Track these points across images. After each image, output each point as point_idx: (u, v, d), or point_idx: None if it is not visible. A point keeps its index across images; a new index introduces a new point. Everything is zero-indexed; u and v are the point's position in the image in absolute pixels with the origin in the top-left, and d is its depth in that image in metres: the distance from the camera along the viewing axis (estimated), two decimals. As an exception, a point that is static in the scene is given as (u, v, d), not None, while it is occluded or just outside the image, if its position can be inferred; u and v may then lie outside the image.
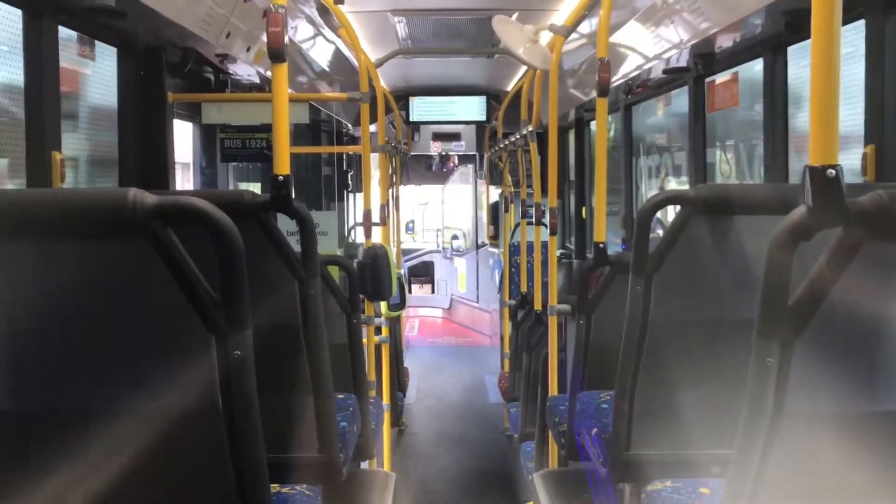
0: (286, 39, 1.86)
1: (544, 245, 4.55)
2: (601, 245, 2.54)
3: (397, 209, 6.63)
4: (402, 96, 7.73)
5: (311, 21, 4.13)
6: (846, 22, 2.65)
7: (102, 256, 1.16)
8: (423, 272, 10.98)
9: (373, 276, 3.14)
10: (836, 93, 1.06)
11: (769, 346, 1.07)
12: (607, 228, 2.56)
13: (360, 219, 3.79)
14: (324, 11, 3.74)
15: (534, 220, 4.54)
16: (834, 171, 1.03)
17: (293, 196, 1.84)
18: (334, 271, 2.70)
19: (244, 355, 1.15)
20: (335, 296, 2.55)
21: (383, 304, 4.09)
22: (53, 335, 1.17)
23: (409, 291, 10.63)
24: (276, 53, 1.81)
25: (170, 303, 1.14)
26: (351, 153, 7.08)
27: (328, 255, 2.55)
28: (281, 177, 1.81)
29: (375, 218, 4.19)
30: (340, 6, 3.53)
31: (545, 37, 3.69)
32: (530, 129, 4.50)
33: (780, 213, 1.09)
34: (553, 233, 3.67)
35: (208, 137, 3.86)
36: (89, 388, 1.19)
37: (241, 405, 1.16)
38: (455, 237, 10.71)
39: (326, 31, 4.35)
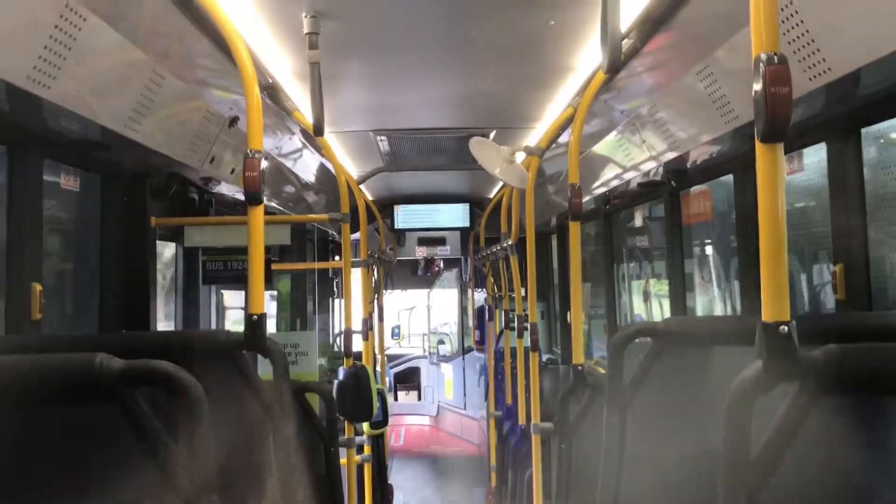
0: (264, 168, 1.90)
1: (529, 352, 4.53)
2: (579, 368, 2.54)
3: (381, 319, 6.63)
4: (387, 205, 7.87)
5: (297, 135, 4.25)
6: (808, 145, 2.78)
7: (69, 417, 1.16)
8: (410, 378, 10.86)
9: (353, 398, 3.12)
10: (784, 249, 1.10)
11: (735, 499, 1.08)
12: (594, 334, 2.54)
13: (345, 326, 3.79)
14: (308, 134, 3.85)
15: (516, 331, 4.55)
16: (786, 328, 1.07)
17: (266, 332, 1.85)
18: (313, 396, 2.67)
19: None
20: (313, 424, 2.53)
21: (365, 423, 4.04)
22: (14, 497, 1.16)
23: (395, 398, 10.48)
24: (253, 197, 1.86)
25: (135, 463, 1.13)
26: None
27: (305, 383, 2.54)
28: (255, 316, 1.82)
29: (358, 330, 4.18)
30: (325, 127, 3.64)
31: (521, 156, 3.79)
32: (510, 242, 4.56)
33: (750, 345, 1.12)
34: (534, 349, 3.68)
35: (191, 258, 3.90)
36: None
37: None
38: (441, 342, 10.65)
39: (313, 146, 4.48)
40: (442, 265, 9.56)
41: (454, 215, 7.99)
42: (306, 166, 4.96)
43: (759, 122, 1.09)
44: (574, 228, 2.69)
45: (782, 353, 1.05)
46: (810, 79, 2.04)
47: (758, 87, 1.09)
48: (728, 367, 1.54)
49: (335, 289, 7.68)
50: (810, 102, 2.36)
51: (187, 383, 1.11)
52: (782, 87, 1.07)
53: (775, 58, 1.09)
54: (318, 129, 2.60)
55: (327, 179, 5.35)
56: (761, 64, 1.09)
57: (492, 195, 7.28)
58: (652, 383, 1.79)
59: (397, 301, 11.30)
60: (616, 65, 1.79)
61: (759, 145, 1.10)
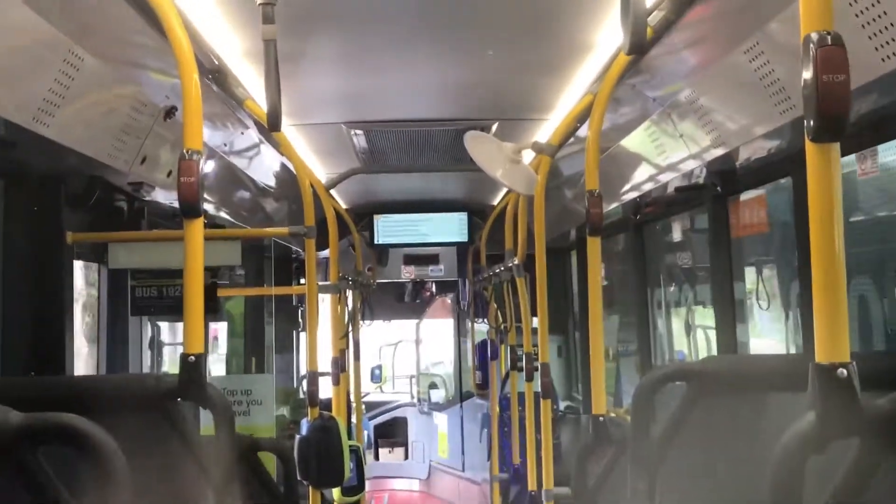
0: (205, 167, 1.90)
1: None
2: (601, 419, 2.55)
3: (357, 357, 6.61)
4: (365, 214, 7.89)
5: (252, 129, 4.27)
6: (884, 140, 2.78)
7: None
8: (394, 432, 10.82)
9: (319, 457, 3.12)
10: (841, 273, 1.11)
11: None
12: (624, 375, 2.51)
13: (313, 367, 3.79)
14: (264, 128, 3.87)
15: (524, 372, 4.55)
16: (846, 371, 1.07)
17: (207, 377, 1.86)
18: (269, 456, 2.68)
19: None
20: (268, 490, 2.53)
21: (335, 489, 4.04)
22: None
23: (376, 457, 10.44)
24: (190, 208, 1.87)
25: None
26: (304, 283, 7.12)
27: (258, 439, 2.55)
28: (192, 357, 1.83)
29: (327, 372, 4.16)
30: (285, 119, 3.65)
31: (529, 155, 3.80)
32: (516, 261, 4.59)
33: (804, 390, 1.13)
34: (546, 395, 3.70)
35: (118, 283, 3.89)
36: None
37: None
38: (434, 385, 10.64)
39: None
40: (434, 289, 9.51)
41: (449, 227, 8.03)
42: (263, 167, 4.96)
43: (810, 116, 1.10)
44: (593, 245, 2.70)
45: (840, 402, 1.06)
46: (884, 59, 2.05)
47: (807, 74, 1.10)
48: (779, 417, 1.52)
49: (300, 320, 7.69)
50: (885, 88, 2.34)
51: (100, 441, 1.12)
52: (837, 73, 1.08)
53: (828, 38, 1.11)
54: (275, 122, 2.61)
55: (290, 184, 5.28)
56: (811, 45, 1.11)
57: (495, 202, 7.29)
58: (686, 438, 1.81)
59: (378, 334, 11.28)
60: (641, 44, 1.81)
61: (809, 145, 1.12)
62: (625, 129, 4.04)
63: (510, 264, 4.83)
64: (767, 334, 4.35)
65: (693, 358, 5.25)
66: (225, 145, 4.16)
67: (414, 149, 5.26)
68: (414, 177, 6.46)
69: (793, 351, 3.90)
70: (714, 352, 4.51)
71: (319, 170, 5.70)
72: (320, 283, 4.21)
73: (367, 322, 8.32)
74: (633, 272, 5.60)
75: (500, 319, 6.92)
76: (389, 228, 8.04)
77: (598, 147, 2.88)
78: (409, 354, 11.49)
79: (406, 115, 4.46)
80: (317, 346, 3.85)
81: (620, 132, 4.08)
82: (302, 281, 7.81)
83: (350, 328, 6.22)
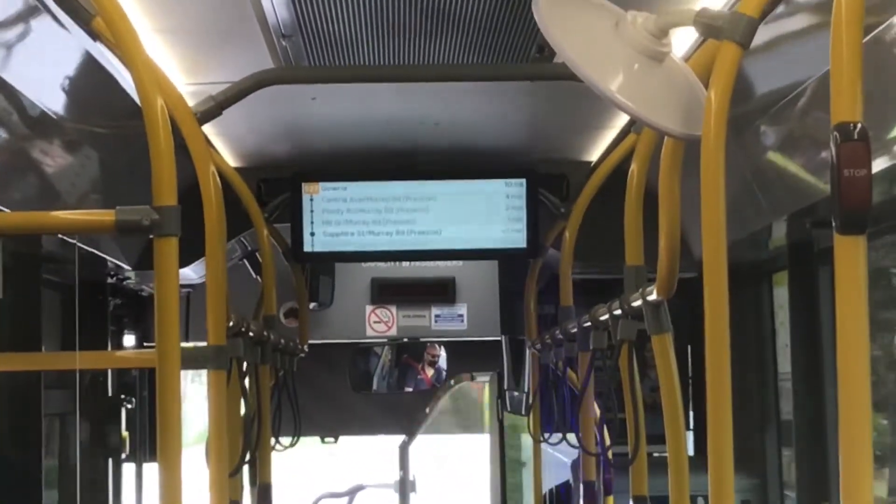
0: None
1: None
2: None
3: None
4: (285, 183, 8.06)
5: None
6: None
7: None
8: None
9: None
10: None
11: None
12: None
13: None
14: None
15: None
16: None
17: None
18: None
19: None
20: None
21: None
22: None
23: None
24: None
25: None
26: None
27: None
28: None
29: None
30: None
31: (685, 40, 4.18)
32: (652, 296, 4.36)
33: None
34: None
35: None
36: None
37: None
38: None
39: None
40: (444, 363, 9.91)
41: (482, 214, 8.16)
42: (48, 67, 5.15)
43: None
44: (848, 251, 2.61)
45: None
46: None
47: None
48: None
49: (125, 432, 7.90)
50: None
51: None
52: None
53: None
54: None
55: (117, 109, 5.63)
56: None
57: (593, 157, 7.76)
58: None
59: (314, 468, 11.70)
60: None
61: None
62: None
63: (635, 302, 4.68)
64: None
65: None
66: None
67: (402, 23, 5.40)
68: (401, 93, 6.62)
69: None
70: None
71: (179, 78, 5.82)
72: (185, 345, 4.10)
73: (286, 440, 8.24)
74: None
75: (606, 435, 7.09)
76: (339, 217, 8.10)
77: (861, 21, 2.74)
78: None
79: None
80: (180, 492, 3.63)
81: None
82: (130, 340, 8.45)
83: (251, 452, 6.20)
